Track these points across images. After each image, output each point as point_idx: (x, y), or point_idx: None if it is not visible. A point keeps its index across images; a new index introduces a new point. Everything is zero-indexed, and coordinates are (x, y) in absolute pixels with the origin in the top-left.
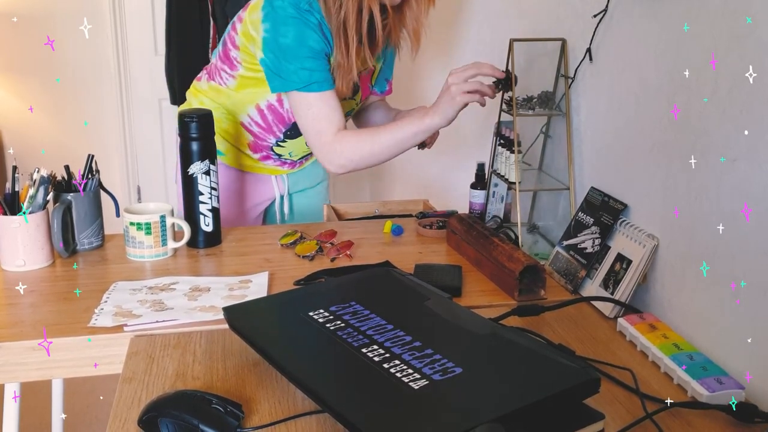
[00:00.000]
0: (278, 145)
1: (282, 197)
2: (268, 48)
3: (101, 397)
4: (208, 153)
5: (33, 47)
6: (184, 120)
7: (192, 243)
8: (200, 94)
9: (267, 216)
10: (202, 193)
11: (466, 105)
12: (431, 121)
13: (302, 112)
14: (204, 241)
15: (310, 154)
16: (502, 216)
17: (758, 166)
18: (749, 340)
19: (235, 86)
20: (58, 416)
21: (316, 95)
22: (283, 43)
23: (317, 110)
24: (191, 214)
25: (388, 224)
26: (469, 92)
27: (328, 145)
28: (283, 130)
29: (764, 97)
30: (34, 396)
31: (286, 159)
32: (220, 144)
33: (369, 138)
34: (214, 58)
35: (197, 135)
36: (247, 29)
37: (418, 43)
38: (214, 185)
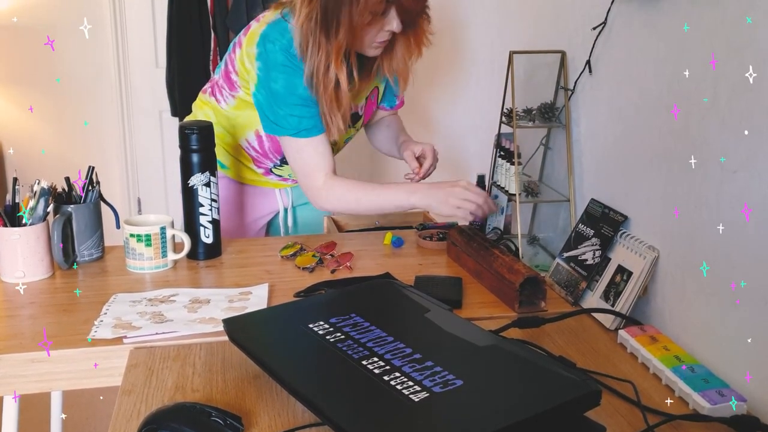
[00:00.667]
0: (276, 167)
1: (286, 210)
2: (260, 88)
3: (101, 397)
4: (209, 165)
5: (33, 57)
6: (184, 132)
7: (192, 255)
8: (205, 107)
9: (270, 229)
10: (202, 205)
11: (459, 214)
12: (417, 202)
13: (292, 156)
14: (204, 252)
15: None
16: (502, 228)
17: (758, 176)
18: (749, 340)
19: (234, 106)
20: (57, 428)
21: (305, 141)
22: (273, 89)
23: (306, 156)
24: (191, 225)
25: (389, 236)
26: (470, 213)
27: (317, 190)
28: (279, 158)
29: (764, 106)
30: (33, 408)
31: (287, 177)
32: (223, 157)
33: (354, 196)
34: (218, 75)
35: (198, 147)
36: (244, 60)
37: (404, 85)
38: (214, 197)
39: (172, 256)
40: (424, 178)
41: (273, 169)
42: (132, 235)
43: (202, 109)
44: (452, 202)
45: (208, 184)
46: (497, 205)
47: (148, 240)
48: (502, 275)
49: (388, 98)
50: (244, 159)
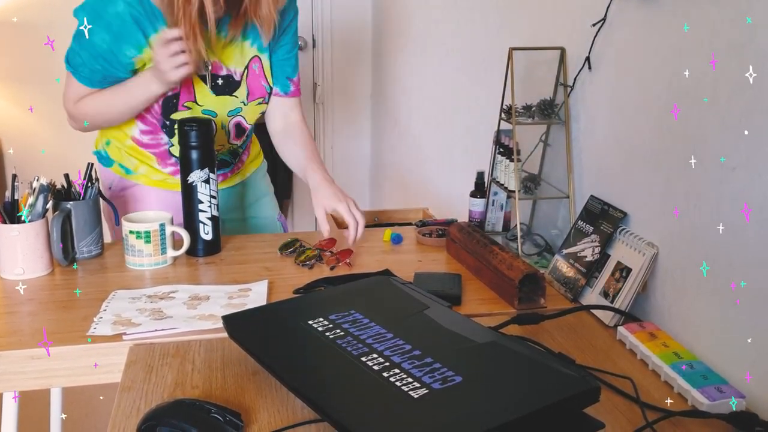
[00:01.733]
0: (172, 144)
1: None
2: (75, 14)
3: (101, 397)
4: (208, 161)
5: (32, 53)
6: (183, 128)
7: (191, 251)
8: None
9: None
10: (201, 202)
11: (182, 77)
12: (156, 88)
13: (65, 85)
14: (203, 249)
15: (227, 164)
16: (501, 224)
17: (758, 174)
18: (749, 340)
19: None
20: (56, 425)
21: (75, 80)
22: (78, 29)
23: (73, 89)
24: (190, 222)
25: (388, 232)
26: (178, 67)
27: (72, 114)
28: (161, 122)
29: (764, 104)
30: (33, 405)
31: None
32: (128, 162)
33: (102, 105)
34: None
35: (197, 143)
36: None
37: (269, 31)
38: (213, 194)
39: (171, 252)
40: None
41: (171, 150)
42: (131, 232)
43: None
44: (168, 65)
45: (207, 181)
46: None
47: (147, 237)
48: (502, 272)
49: (280, 81)
50: (149, 159)
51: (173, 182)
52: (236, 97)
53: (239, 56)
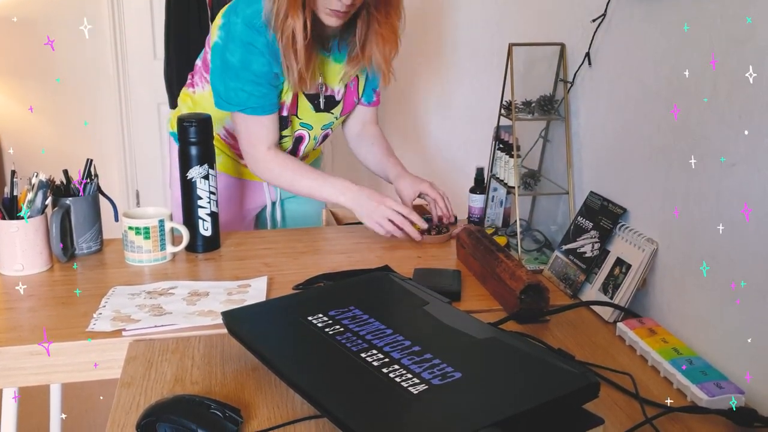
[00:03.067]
0: None
1: (274, 204)
2: (215, 58)
3: (101, 398)
4: (207, 157)
5: (32, 51)
6: (183, 124)
7: (191, 247)
8: (187, 100)
9: (258, 222)
10: (200, 198)
11: (378, 230)
12: (345, 203)
13: (238, 128)
14: (203, 245)
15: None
16: (501, 220)
17: (757, 169)
18: (749, 340)
19: (210, 91)
20: (56, 420)
21: (252, 117)
22: (228, 61)
23: (252, 128)
24: (190, 218)
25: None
26: (394, 225)
27: (255, 161)
28: None
29: (763, 100)
30: (32, 401)
31: None
32: None
33: (289, 176)
34: (199, 60)
35: (196, 139)
36: (213, 33)
37: (384, 80)
38: (213, 189)
39: (170, 248)
40: (448, 222)
41: None
42: (131, 228)
43: (184, 102)
44: (376, 218)
45: (206, 177)
46: (418, 218)
47: (146, 233)
48: (504, 281)
49: (366, 92)
50: (227, 149)
51: (248, 172)
52: (332, 113)
53: (341, 77)
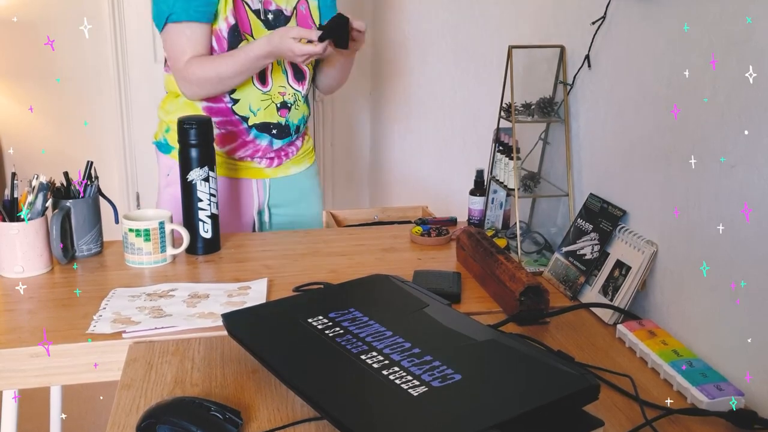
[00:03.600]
0: (233, 102)
1: (261, 210)
2: None
3: (101, 397)
4: (207, 159)
5: (32, 52)
6: (183, 126)
7: (191, 250)
8: (167, 83)
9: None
10: (201, 200)
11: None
12: (273, 48)
13: (165, 46)
14: (203, 247)
15: (286, 126)
16: (501, 222)
17: (757, 171)
18: (749, 340)
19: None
20: (56, 422)
21: (176, 25)
22: None
23: (176, 41)
24: (190, 220)
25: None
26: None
27: (179, 72)
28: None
29: (763, 101)
30: (33, 403)
31: (256, 130)
32: None
33: (209, 67)
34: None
35: (196, 141)
36: None
37: None
38: (213, 192)
39: (170, 251)
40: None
41: (234, 108)
42: (131, 230)
43: (166, 85)
44: (298, 60)
45: (206, 179)
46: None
47: (147, 235)
48: (504, 283)
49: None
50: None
51: (232, 169)
52: None
53: None
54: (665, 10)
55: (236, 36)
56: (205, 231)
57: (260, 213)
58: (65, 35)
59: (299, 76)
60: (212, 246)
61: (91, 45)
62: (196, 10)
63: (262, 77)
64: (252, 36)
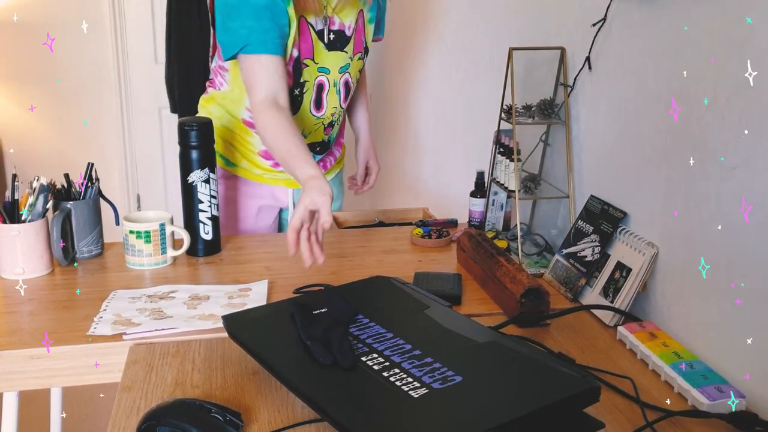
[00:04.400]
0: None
1: (285, 209)
2: (217, 10)
3: (101, 395)
4: (208, 161)
5: (32, 53)
6: (183, 128)
7: (191, 251)
8: (208, 104)
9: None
10: (201, 201)
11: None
12: (306, 186)
13: (242, 75)
14: (203, 249)
15: (328, 142)
16: (501, 224)
17: (758, 173)
18: (749, 341)
19: (230, 81)
20: (57, 424)
21: (254, 57)
22: (228, 2)
23: (253, 70)
24: (190, 222)
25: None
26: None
27: (252, 104)
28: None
29: (764, 101)
30: (33, 404)
31: None
32: (231, 154)
33: (270, 138)
34: (213, 64)
35: (197, 143)
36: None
37: None
38: (213, 193)
39: (171, 252)
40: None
41: None
42: (131, 232)
43: (205, 108)
44: (300, 214)
45: (207, 181)
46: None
47: (147, 236)
48: (505, 284)
49: (380, 28)
50: (252, 153)
51: (269, 177)
52: (346, 52)
53: (351, 9)
54: (666, 11)
55: (298, 67)
56: (206, 233)
57: (283, 210)
58: (66, 36)
59: (348, 94)
60: (213, 248)
61: (91, 46)
62: (273, 43)
63: (318, 101)
64: (313, 60)
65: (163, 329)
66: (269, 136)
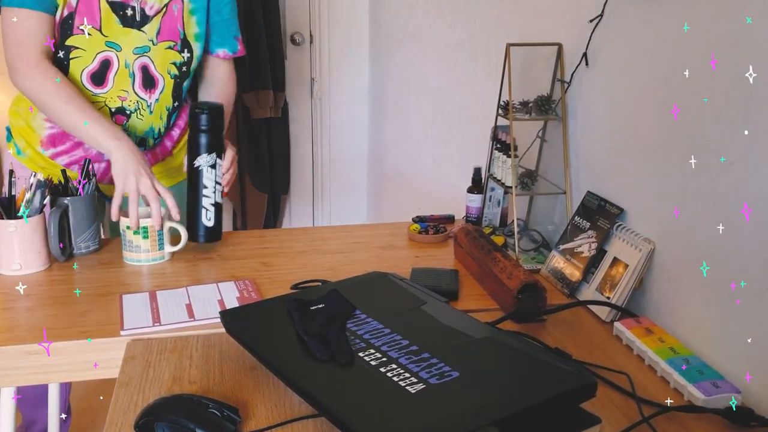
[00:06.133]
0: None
1: None
2: None
3: (101, 397)
4: (216, 146)
5: None
6: (194, 111)
7: (192, 236)
8: (17, 105)
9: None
10: (206, 187)
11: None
12: (112, 153)
13: (3, 30)
14: (205, 235)
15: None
16: (498, 220)
17: (755, 169)
18: (749, 340)
19: None
20: (54, 420)
21: (17, 11)
22: None
23: (16, 28)
24: (194, 206)
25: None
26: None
27: (16, 70)
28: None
29: (761, 99)
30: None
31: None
32: (20, 141)
33: (55, 102)
34: None
35: (207, 127)
36: None
37: None
38: (219, 180)
39: (169, 248)
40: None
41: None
42: (129, 227)
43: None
44: (130, 184)
45: (213, 166)
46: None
47: (145, 232)
48: (501, 280)
49: (228, 41)
50: (33, 140)
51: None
52: (144, 33)
53: None
54: (663, 8)
55: (67, 28)
56: (208, 219)
57: None
58: None
59: (149, 83)
60: (214, 234)
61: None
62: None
63: (99, 77)
64: (101, 32)
65: (160, 324)
66: (50, 99)
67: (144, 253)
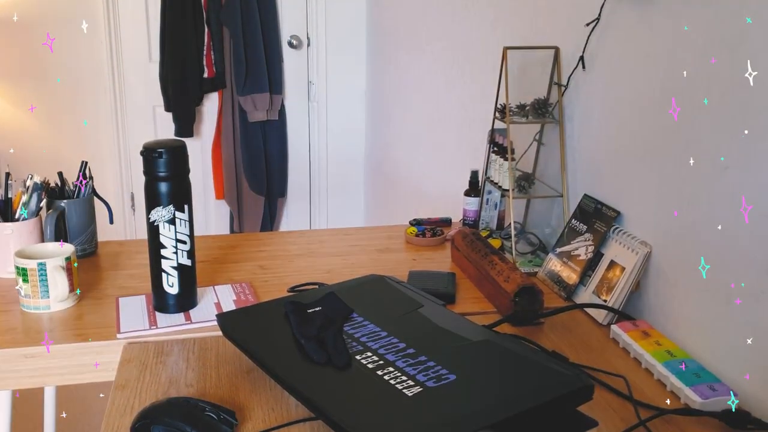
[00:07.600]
0: None
1: None
2: None
3: (101, 395)
4: (177, 196)
5: (27, 54)
6: (150, 154)
7: (157, 306)
8: None
9: None
10: (164, 247)
11: None
12: None
13: None
14: (172, 306)
15: None
16: (495, 223)
17: (752, 173)
18: (749, 341)
19: None
20: (50, 423)
21: None
22: None
23: None
24: (155, 270)
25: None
26: None
27: None
28: None
29: (758, 103)
30: (26, 403)
31: None
32: None
33: None
34: None
35: (163, 173)
36: None
37: None
38: (181, 237)
39: (58, 299)
40: None
41: None
42: (15, 267)
43: None
44: None
45: (172, 221)
46: None
47: (24, 275)
48: (498, 283)
49: None
50: None
51: None
52: None
53: None
54: (660, 11)
55: None
56: (170, 285)
57: None
58: (65, 35)
59: None
60: (184, 302)
61: (86, 46)
62: None
63: None
64: None
65: (157, 327)
66: None
67: (25, 299)
